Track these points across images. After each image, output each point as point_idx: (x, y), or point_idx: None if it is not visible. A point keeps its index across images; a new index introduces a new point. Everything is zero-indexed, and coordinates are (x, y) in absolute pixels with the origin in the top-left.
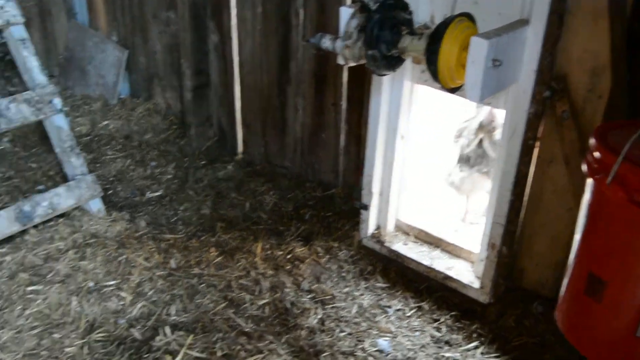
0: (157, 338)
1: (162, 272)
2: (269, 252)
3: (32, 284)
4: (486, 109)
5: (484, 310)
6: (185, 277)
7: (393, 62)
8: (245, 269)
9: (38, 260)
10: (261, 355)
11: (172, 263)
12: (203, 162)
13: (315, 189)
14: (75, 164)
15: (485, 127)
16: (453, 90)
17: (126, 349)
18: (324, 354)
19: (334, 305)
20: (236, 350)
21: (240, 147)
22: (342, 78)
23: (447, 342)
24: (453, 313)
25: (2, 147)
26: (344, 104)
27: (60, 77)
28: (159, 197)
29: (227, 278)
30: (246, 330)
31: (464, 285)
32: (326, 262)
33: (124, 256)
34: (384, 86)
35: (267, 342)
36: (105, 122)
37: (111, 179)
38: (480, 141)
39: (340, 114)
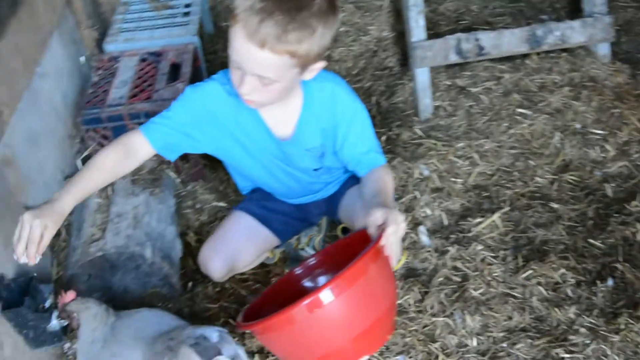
0: (633, 203)
1: None
2: None
3: (521, 107)
4: None
5: None
6: None
7: None
8: None
9: (533, 86)
10: None
11: None
12: None
13: None
14: (596, 1)
15: None
16: None
17: (594, 201)
18: None
19: None
20: None
21: None
22: None
23: None
24: None
25: None
26: None
27: None
28: None
29: None
30: None
31: None
32: None
33: (618, 110)
34: None
35: None
36: None
37: (616, 28)
38: None
39: None
